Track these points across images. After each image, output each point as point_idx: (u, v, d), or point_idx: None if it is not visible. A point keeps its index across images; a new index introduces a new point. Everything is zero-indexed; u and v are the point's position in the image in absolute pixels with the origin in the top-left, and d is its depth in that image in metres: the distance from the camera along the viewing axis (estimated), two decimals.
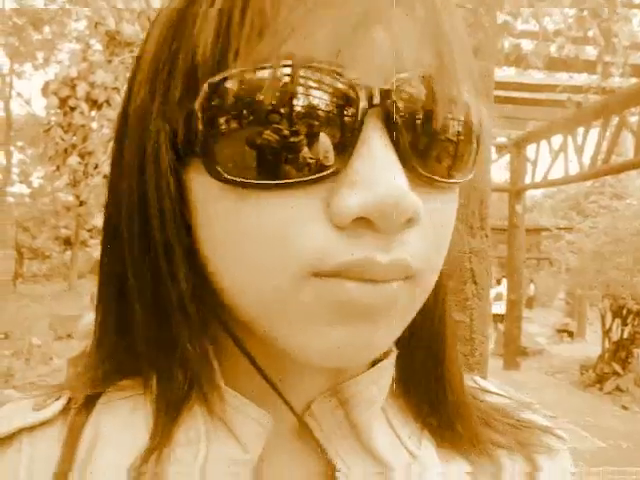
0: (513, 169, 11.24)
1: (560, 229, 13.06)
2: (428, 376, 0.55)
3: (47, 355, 9.13)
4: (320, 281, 0.40)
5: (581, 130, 8.41)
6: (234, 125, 0.40)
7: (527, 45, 5.09)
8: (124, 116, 0.49)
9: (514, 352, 10.93)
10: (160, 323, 0.48)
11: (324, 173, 0.39)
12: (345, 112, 0.39)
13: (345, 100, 0.39)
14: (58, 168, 6.00)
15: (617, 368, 9.43)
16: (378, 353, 0.45)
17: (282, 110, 0.39)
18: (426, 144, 0.42)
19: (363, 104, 0.39)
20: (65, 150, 5.92)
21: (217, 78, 0.40)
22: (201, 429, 0.48)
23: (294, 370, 0.50)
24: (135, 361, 0.51)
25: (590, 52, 5.01)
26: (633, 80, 6.61)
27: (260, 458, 0.48)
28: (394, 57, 0.41)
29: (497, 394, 0.62)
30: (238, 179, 0.40)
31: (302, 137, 0.39)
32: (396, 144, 0.40)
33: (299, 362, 0.45)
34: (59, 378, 6.63)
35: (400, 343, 0.54)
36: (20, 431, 0.49)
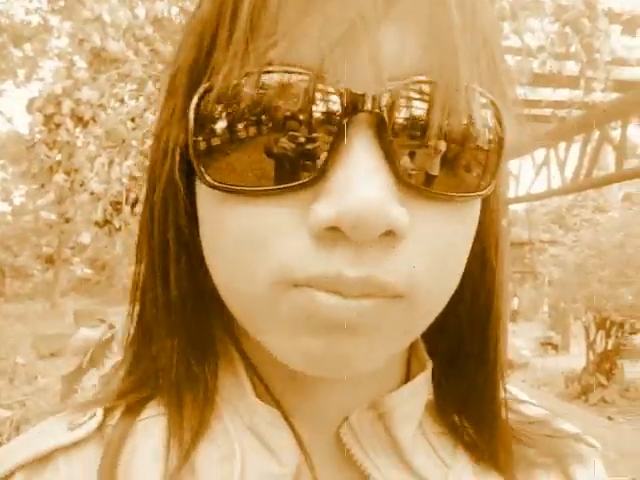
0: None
1: (543, 242, 13.15)
2: (470, 392, 0.54)
3: (31, 374, 9.01)
4: (295, 290, 0.39)
5: (563, 144, 8.49)
6: (218, 132, 0.40)
7: (509, 61, 5.15)
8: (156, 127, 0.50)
9: None
10: (184, 337, 0.49)
11: (302, 181, 0.39)
12: (329, 119, 0.38)
13: (328, 106, 0.38)
14: (43, 185, 5.94)
15: (602, 380, 9.45)
16: (364, 368, 0.43)
17: (263, 117, 0.38)
18: (421, 154, 0.39)
19: (347, 111, 0.38)
20: (50, 167, 5.86)
21: (203, 87, 0.41)
22: (235, 445, 0.48)
23: (328, 383, 0.49)
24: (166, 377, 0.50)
25: (572, 68, 5.08)
26: (614, 95, 6.70)
27: (298, 471, 0.47)
28: (387, 62, 0.39)
29: (530, 403, 0.61)
30: (220, 184, 0.40)
31: (283, 144, 0.38)
32: (387, 153, 0.38)
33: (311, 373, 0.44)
34: (44, 397, 6.55)
35: (440, 357, 0.54)
36: (56, 451, 0.49)
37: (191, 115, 0.41)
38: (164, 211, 0.48)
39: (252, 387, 0.49)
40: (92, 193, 5.13)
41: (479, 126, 0.41)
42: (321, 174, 0.38)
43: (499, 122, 0.42)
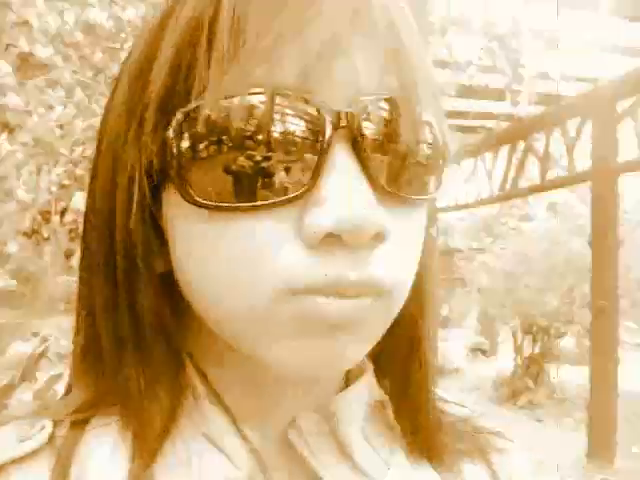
0: None
1: (472, 250, 13.42)
2: (404, 389, 0.57)
3: None
4: (294, 298, 0.41)
5: (490, 155, 8.72)
6: (205, 151, 0.41)
7: (439, 74, 5.27)
8: (99, 146, 0.50)
9: None
10: (134, 347, 0.49)
11: (292, 195, 0.41)
12: (313, 135, 0.41)
13: (313, 124, 0.41)
14: None
15: (529, 383, 9.70)
16: (351, 364, 0.46)
17: (251, 135, 0.40)
18: (392, 163, 0.43)
19: (329, 127, 0.41)
20: None
21: (188, 107, 0.41)
22: (192, 449, 0.49)
23: (279, 388, 0.51)
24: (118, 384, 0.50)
25: (499, 81, 5.24)
26: (539, 108, 6.94)
27: (252, 473, 0.49)
28: (358, 81, 0.42)
29: (454, 403, 0.65)
30: (209, 202, 0.41)
31: (271, 161, 0.40)
32: (363, 164, 0.41)
33: (280, 376, 0.46)
34: None
35: (377, 353, 0.55)
36: (7, 463, 0.48)
37: (171, 135, 0.42)
38: (129, 236, 0.47)
39: (206, 394, 0.50)
40: (19, 202, 4.97)
41: (434, 137, 0.46)
42: (311, 186, 0.41)
43: (445, 133, 0.47)
